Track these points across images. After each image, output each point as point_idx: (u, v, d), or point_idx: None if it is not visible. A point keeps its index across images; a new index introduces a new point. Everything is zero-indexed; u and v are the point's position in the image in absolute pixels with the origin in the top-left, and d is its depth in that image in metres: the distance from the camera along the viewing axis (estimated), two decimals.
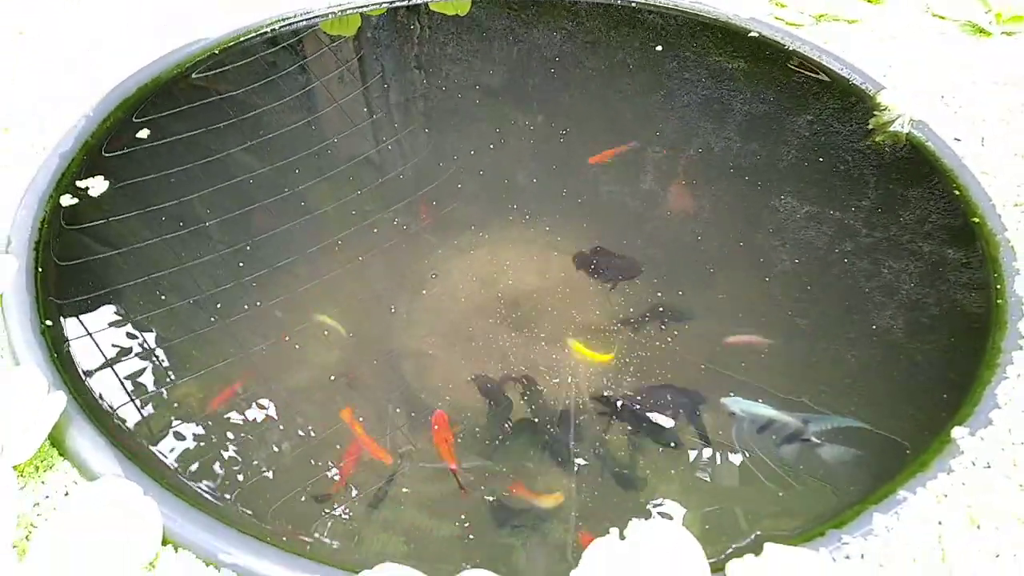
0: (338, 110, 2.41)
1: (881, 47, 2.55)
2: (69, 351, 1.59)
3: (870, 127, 2.23)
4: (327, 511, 1.38)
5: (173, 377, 1.60)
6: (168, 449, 1.46)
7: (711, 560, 1.20)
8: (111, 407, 1.52)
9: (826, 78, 2.43)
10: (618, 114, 2.42)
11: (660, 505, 1.39)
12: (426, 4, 2.77)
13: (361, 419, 1.55)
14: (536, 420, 1.57)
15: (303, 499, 1.40)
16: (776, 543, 1.23)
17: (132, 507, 1.23)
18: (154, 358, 1.64)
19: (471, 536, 1.34)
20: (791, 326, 1.76)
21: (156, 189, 2.02)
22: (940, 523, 1.29)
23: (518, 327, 1.75)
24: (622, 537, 1.23)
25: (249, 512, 1.36)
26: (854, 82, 2.38)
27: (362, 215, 2.01)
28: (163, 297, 1.76)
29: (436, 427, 1.53)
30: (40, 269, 1.71)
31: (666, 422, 1.55)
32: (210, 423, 1.52)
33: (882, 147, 2.17)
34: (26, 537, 1.24)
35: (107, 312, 1.71)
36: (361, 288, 1.86)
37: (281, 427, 1.54)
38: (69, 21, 2.56)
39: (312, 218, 2.01)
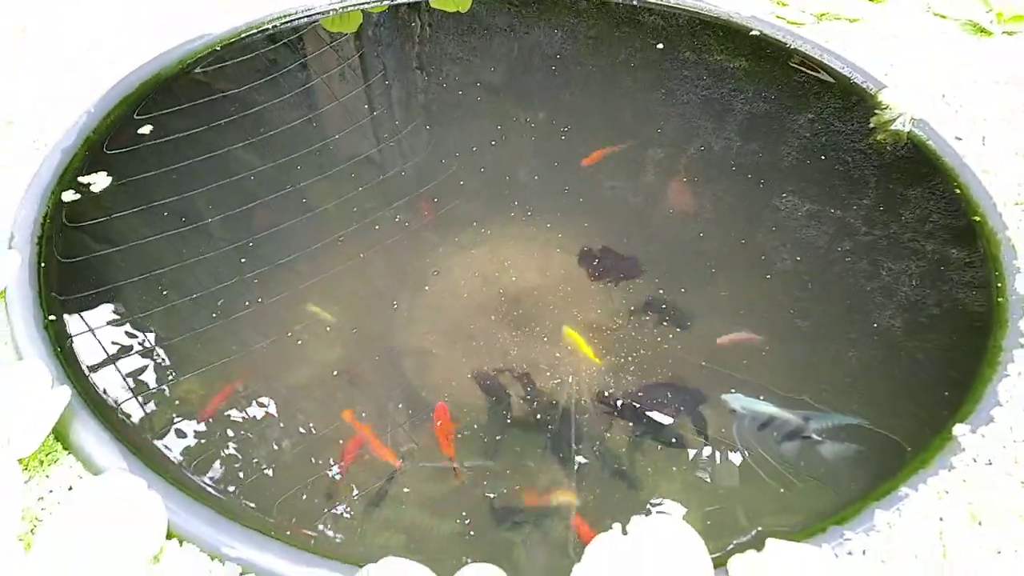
0: (340, 107, 2.41)
1: (882, 46, 2.56)
2: (72, 346, 1.59)
3: (871, 126, 2.24)
4: (330, 506, 1.38)
5: (176, 373, 1.61)
6: (172, 444, 1.46)
7: (713, 556, 1.21)
8: (115, 402, 1.52)
9: (827, 77, 2.43)
10: (619, 112, 2.42)
11: (661, 502, 1.40)
12: (427, 1, 2.77)
13: (366, 418, 1.55)
14: (537, 417, 1.57)
15: (306, 494, 1.40)
16: (778, 539, 1.23)
17: (136, 501, 1.24)
18: (157, 354, 1.64)
19: (472, 532, 1.35)
20: (792, 325, 1.76)
21: (158, 185, 2.02)
22: (941, 519, 1.30)
23: (519, 325, 1.75)
24: (624, 532, 1.23)
25: (253, 506, 1.37)
26: (855, 81, 2.38)
27: (363, 212, 2.02)
28: (165, 293, 1.76)
29: (438, 419, 1.54)
30: (43, 264, 1.71)
31: (667, 419, 1.55)
32: (212, 419, 1.52)
33: (883, 146, 2.17)
34: (31, 531, 1.24)
35: (110, 308, 1.71)
36: (363, 285, 1.87)
37: (283, 422, 1.54)
38: (70, 20, 2.55)
39: (314, 215, 2.01)
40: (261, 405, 1.56)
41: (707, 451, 1.50)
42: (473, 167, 2.17)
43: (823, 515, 1.35)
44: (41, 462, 1.35)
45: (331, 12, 2.69)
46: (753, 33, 2.60)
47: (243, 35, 2.55)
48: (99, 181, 1.97)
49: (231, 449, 1.47)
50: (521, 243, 1.96)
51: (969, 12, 2.67)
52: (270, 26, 2.60)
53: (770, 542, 1.22)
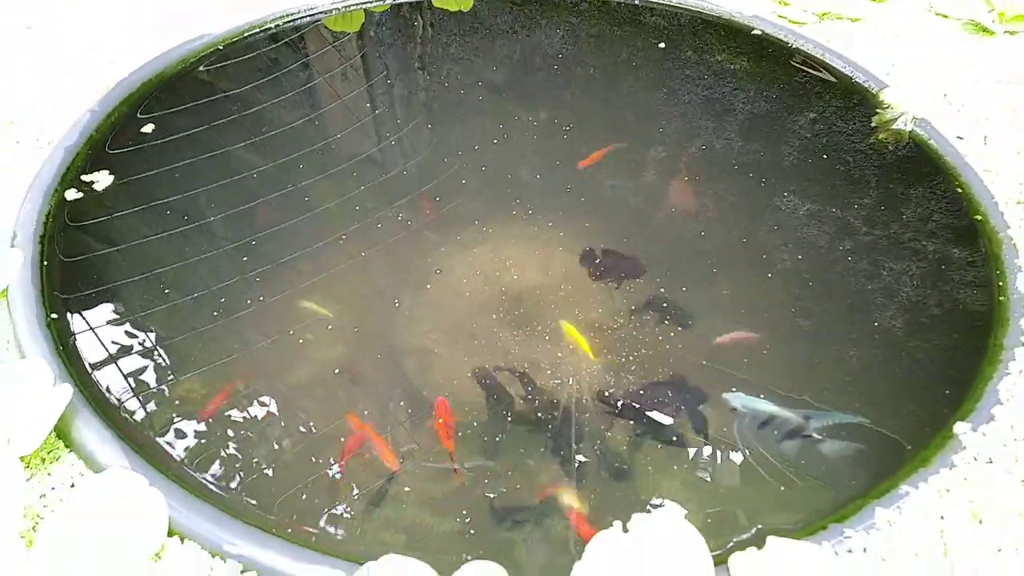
0: (341, 106, 2.42)
1: (884, 45, 2.56)
2: (75, 344, 1.60)
3: (873, 125, 2.24)
4: (331, 504, 1.38)
5: (178, 371, 1.61)
6: (173, 441, 1.47)
7: (714, 553, 1.21)
8: (116, 400, 1.52)
9: (829, 76, 2.43)
10: (621, 111, 2.42)
11: (662, 500, 1.40)
12: (429, 0, 2.78)
13: (367, 416, 1.55)
14: (538, 416, 1.57)
15: (307, 492, 1.40)
16: (778, 536, 1.23)
17: (138, 498, 1.24)
18: (159, 352, 1.65)
19: (472, 531, 1.35)
20: (793, 324, 1.76)
21: (161, 184, 2.02)
22: (942, 518, 1.30)
23: (520, 324, 1.75)
24: (625, 530, 1.23)
25: (254, 504, 1.37)
26: (857, 80, 2.38)
27: (365, 211, 2.02)
28: (167, 292, 1.76)
29: (438, 414, 1.55)
30: (45, 263, 1.71)
31: (668, 418, 1.56)
32: (214, 417, 1.53)
33: (885, 145, 2.17)
34: (33, 528, 1.25)
35: (112, 306, 1.72)
36: (364, 284, 1.87)
37: (284, 421, 1.54)
38: (70, 20, 2.56)
39: (315, 214, 2.01)
40: (262, 403, 1.57)
41: (708, 450, 1.50)
42: (475, 166, 2.17)
43: (824, 513, 1.35)
44: (43, 460, 1.35)
45: (333, 11, 2.70)
46: (755, 32, 2.61)
47: (245, 34, 2.55)
48: (102, 179, 1.97)
49: (232, 447, 1.48)
50: (523, 242, 1.96)
51: (971, 12, 2.67)
52: (273, 25, 2.61)
53: (771, 540, 1.23)
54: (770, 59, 2.53)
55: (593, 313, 1.78)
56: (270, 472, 1.44)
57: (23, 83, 2.27)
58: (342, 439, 1.50)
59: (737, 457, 1.49)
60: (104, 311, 1.70)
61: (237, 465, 1.44)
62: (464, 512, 1.38)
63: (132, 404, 1.52)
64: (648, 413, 1.56)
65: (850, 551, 1.25)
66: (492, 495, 1.41)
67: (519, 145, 2.26)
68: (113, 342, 1.64)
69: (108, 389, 1.54)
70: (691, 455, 1.50)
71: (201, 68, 2.41)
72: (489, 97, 2.44)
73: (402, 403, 1.60)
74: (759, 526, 1.34)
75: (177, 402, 1.55)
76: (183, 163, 2.09)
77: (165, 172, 2.06)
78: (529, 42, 2.66)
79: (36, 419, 1.33)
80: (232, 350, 1.66)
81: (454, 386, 1.62)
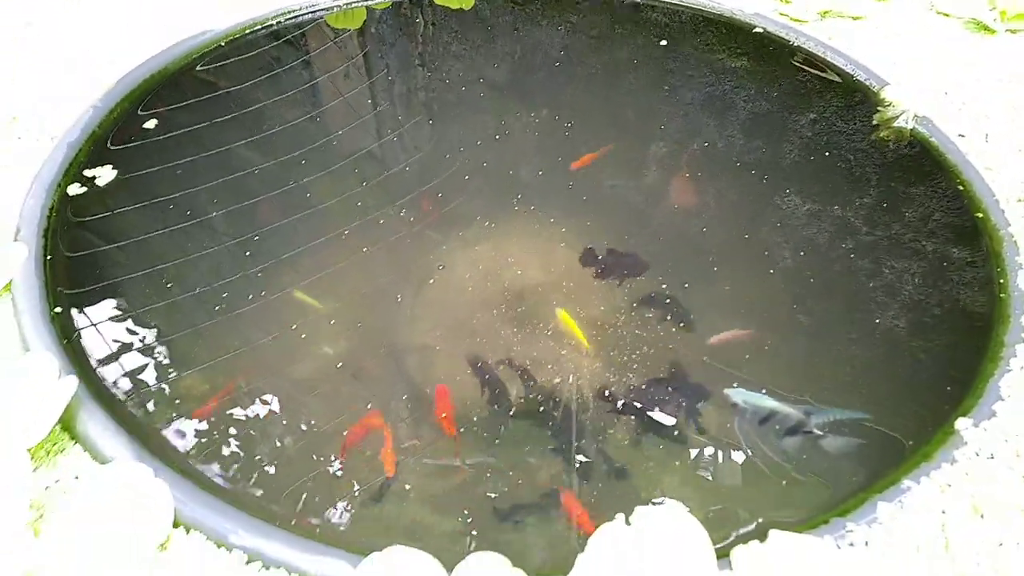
0: (343, 103, 2.42)
1: (886, 44, 2.56)
2: (78, 338, 1.60)
3: (874, 123, 2.24)
4: (336, 496, 1.39)
5: (181, 365, 1.61)
6: (178, 433, 1.47)
7: (716, 547, 1.22)
8: (121, 392, 1.53)
9: (830, 74, 2.44)
10: (622, 109, 2.43)
11: (663, 496, 1.40)
12: None
13: (370, 409, 1.56)
14: (539, 411, 1.58)
15: (311, 484, 1.40)
16: (780, 530, 1.24)
17: (144, 489, 1.25)
18: (162, 346, 1.65)
19: (475, 525, 1.35)
20: (795, 321, 1.77)
21: (163, 180, 2.03)
22: (944, 512, 1.30)
23: (522, 320, 1.75)
24: (628, 523, 1.24)
25: (258, 495, 1.38)
26: (858, 78, 2.39)
27: (367, 208, 2.02)
28: (170, 287, 1.77)
29: (439, 401, 1.56)
30: (49, 257, 1.72)
31: (669, 414, 1.56)
32: (218, 409, 1.53)
33: (886, 143, 2.18)
34: (39, 519, 1.25)
35: (115, 301, 1.72)
36: (367, 280, 1.87)
37: (287, 415, 1.55)
38: (70, 20, 2.56)
39: (317, 211, 2.01)
40: (265, 398, 1.57)
41: (709, 445, 1.51)
42: (476, 163, 2.17)
43: (825, 508, 1.36)
44: (48, 452, 1.36)
45: (335, 8, 2.70)
46: (756, 30, 2.61)
47: (247, 31, 2.55)
48: (105, 174, 1.98)
49: (236, 440, 1.48)
50: (525, 239, 1.96)
51: (972, 10, 2.67)
52: (275, 22, 2.61)
53: (773, 533, 1.23)
54: (771, 57, 2.54)
55: (595, 310, 1.78)
56: (274, 464, 1.44)
57: (26, 79, 2.27)
58: (344, 433, 1.50)
59: (738, 453, 1.49)
60: (107, 305, 1.70)
61: (241, 457, 1.45)
62: (466, 509, 1.38)
63: (136, 397, 1.53)
64: (649, 410, 1.57)
65: (851, 545, 1.26)
66: (494, 495, 1.41)
67: (521, 142, 2.27)
68: (117, 336, 1.64)
69: (112, 382, 1.54)
70: (692, 451, 1.50)
71: (202, 65, 2.42)
72: (490, 94, 2.45)
73: (404, 398, 1.60)
74: (760, 519, 1.35)
75: (181, 395, 1.55)
76: (185, 160, 2.09)
77: (167, 168, 2.06)
78: (530, 39, 2.67)
79: (41, 411, 1.34)
80: (235, 345, 1.67)
81: (456, 383, 1.63)
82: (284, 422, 1.53)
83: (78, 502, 1.23)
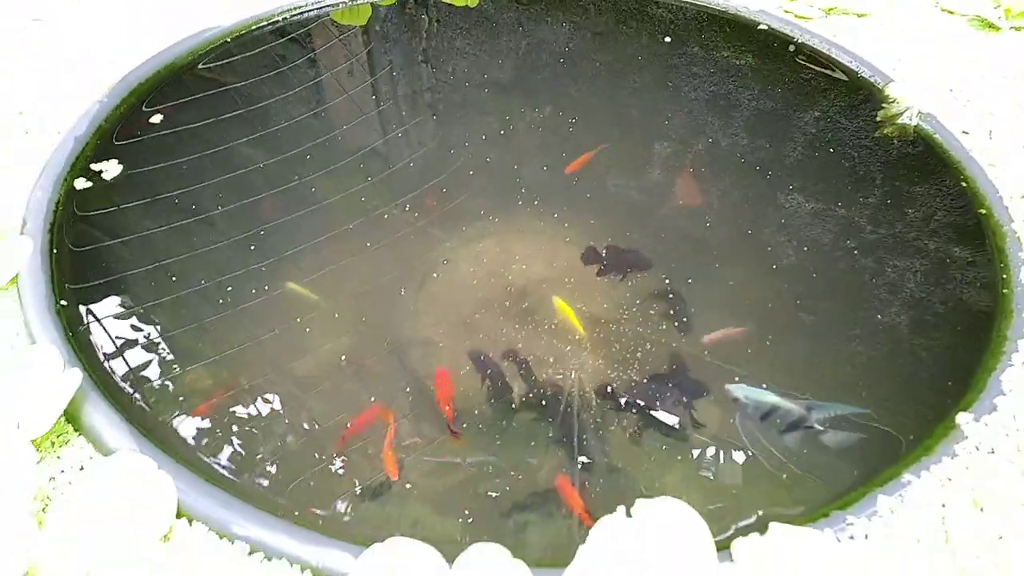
0: (348, 100, 2.43)
1: (890, 41, 2.56)
2: (84, 330, 1.61)
3: (879, 120, 2.24)
4: (338, 488, 1.39)
5: (185, 359, 1.62)
6: (181, 425, 1.48)
7: (716, 539, 1.22)
8: (125, 385, 1.54)
9: (835, 71, 2.44)
10: (626, 106, 2.43)
11: (664, 490, 1.40)
12: None
13: (372, 403, 1.57)
14: (541, 407, 1.58)
15: (314, 476, 1.41)
16: (781, 523, 1.24)
17: (147, 480, 1.25)
18: (166, 339, 1.66)
19: (474, 519, 1.36)
20: (797, 319, 1.77)
21: (168, 175, 2.04)
22: (944, 506, 1.30)
23: (526, 317, 1.76)
24: (629, 515, 1.24)
25: (262, 486, 1.38)
26: (863, 75, 2.39)
27: (372, 205, 2.03)
28: (175, 281, 1.78)
29: (438, 384, 1.58)
30: (55, 251, 1.73)
31: (671, 410, 1.56)
32: (222, 402, 1.54)
33: (890, 139, 2.17)
34: (43, 510, 1.26)
35: (120, 294, 1.73)
36: (371, 276, 1.88)
37: (291, 409, 1.55)
38: (70, 20, 2.57)
39: (322, 207, 2.02)
40: (269, 392, 1.58)
41: (711, 440, 1.51)
42: (481, 160, 2.18)
43: (826, 502, 1.36)
44: (53, 443, 1.37)
45: (340, 5, 2.71)
46: (761, 27, 2.61)
47: (253, 27, 2.57)
48: (111, 169, 1.99)
49: (240, 432, 1.49)
50: (529, 236, 1.97)
51: (977, 8, 2.67)
52: (280, 18, 2.62)
53: (773, 526, 1.23)
54: (776, 54, 2.54)
55: (598, 306, 1.78)
56: (278, 456, 1.45)
57: (31, 74, 2.28)
58: (348, 426, 1.51)
59: (739, 448, 1.49)
60: (112, 299, 1.71)
61: (244, 449, 1.46)
62: (467, 505, 1.38)
63: (140, 389, 1.54)
64: (651, 405, 1.57)
65: (852, 538, 1.26)
66: (495, 494, 1.41)
67: (525, 139, 2.27)
68: (121, 330, 1.65)
69: (117, 375, 1.55)
70: (694, 445, 1.50)
71: (207, 62, 2.43)
72: (494, 91, 2.45)
73: (407, 391, 1.61)
74: (760, 512, 1.35)
75: (185, 388, 1.56)
76: (191, 155, 2.10)
77: (172, 164, 2.07)
78: (534, 37, 2.67)
79: (46, 403, 1.35)
80: (239, 340, 1.68)
81: (458, 378, 1.63)
82: (287, 416, 1.54)
83: (82, 493, 1.24)
